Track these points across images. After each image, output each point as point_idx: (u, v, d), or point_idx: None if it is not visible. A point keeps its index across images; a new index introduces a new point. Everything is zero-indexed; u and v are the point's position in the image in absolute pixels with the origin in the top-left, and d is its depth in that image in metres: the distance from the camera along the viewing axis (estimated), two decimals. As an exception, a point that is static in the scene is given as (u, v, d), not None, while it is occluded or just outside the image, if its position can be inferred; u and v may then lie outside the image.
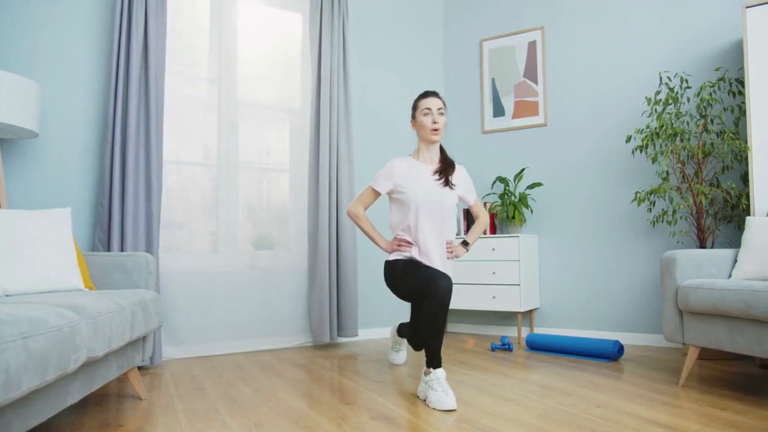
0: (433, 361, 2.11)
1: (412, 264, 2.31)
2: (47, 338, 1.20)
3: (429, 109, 2.34)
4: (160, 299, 2.21)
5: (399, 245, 2.35)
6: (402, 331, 2.68)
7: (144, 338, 2.21)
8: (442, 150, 2.45)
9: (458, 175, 2.44)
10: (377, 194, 2.42)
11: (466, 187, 2.48)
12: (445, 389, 2.03)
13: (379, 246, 2.43)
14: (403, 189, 2.32)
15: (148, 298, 2.07)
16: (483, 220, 2.55)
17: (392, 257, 2.38)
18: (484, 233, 3.74)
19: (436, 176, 2.36)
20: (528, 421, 1.84)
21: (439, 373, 2.08)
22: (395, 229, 2.40)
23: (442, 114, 2.35)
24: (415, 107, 2.41)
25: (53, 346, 1.22)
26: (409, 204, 2.30)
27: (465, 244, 2.51)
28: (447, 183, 2.35)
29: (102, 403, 2.12)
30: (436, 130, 2.33)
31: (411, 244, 2.34)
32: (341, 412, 1.97)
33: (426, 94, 2.39)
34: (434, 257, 2.32)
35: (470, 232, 2.56)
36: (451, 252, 2.40)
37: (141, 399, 2.18)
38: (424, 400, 2.09)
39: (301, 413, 1.96)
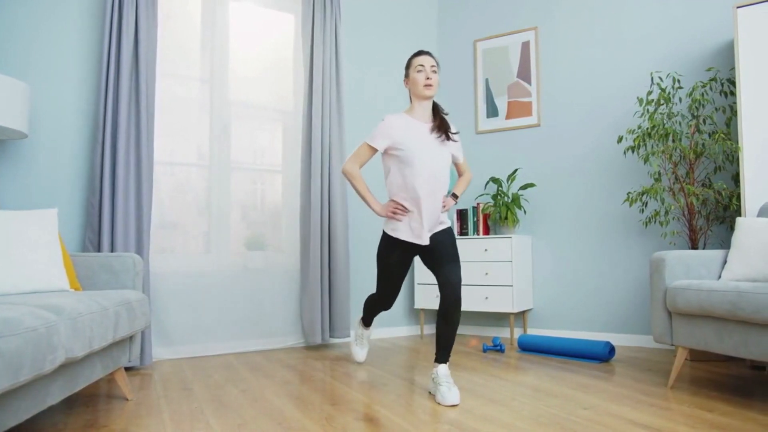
0: (441, 356, 2.22)
1: (397, 263, 2.40)
2: (21, 339, 1.20)
3: (422, 65, 2.34)
4: (147, 300, 2.21)
5: (394, 211, 2.33)
6: (365, 305, 2.76)
7: (131, 339, 2.21)
8: (435, 107, 2.44)
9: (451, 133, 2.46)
10: (374, 151, 2.39)
11: (457, 145, 2.48)
12: (448, 385, 2.10)
13: (372, 208, 2.39)
14: (402, 146, 2.30)
15: (134, 299, 2.07)
16: (468, 176, 2.61)
17: (389, 231, 2.39)
18: (477, 234, 3.74)
19: (435, 133, 2.35)
20: (513, 422, 1.83)
21: (441, 369, 2.18)
22: (393, 188, 2.37)
23: (435, 71, 2.35)
24: (408, 65, 2.42)
25: (27, 346, 1.22)
26: (410, 160, 2.28)
27: (454, 196, 2.53)
28: (447, 138, 2.36)
29: (88, 403, 2.12)
30: (429, 86, 2.33)
31: (406, 210, 2.33)
32: (327, 412, 1.97)
33: (419, 53, 2.39)
34: (432, 217, 2.33)
35: (457, 185, 2.59)
36: (444, 206, 2.40)
37: (127, 400, 2.17)
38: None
39: (286, 414, 1.95)
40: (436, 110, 2.43)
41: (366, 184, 2.44)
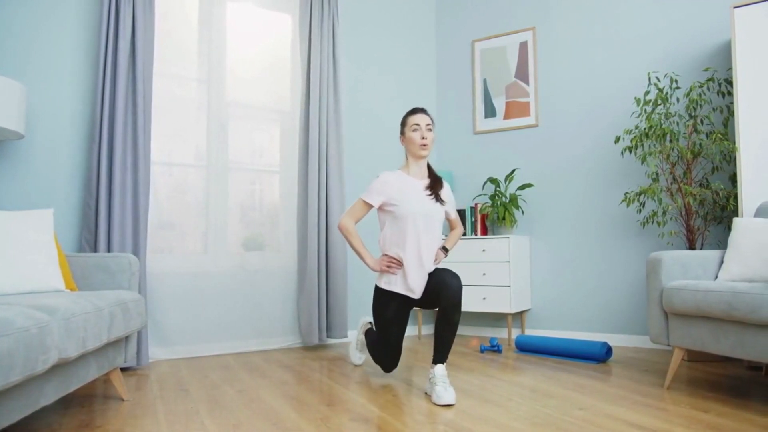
0: (439, 357, 2.23)
1: (394, 317, 2.41)
2: (12, 339, 1.20)
3: (418, 125, 2.40)
4: (143, 300, 2.21)
5: (388, 265, 2.38)
6: (368, 335, 2.69)
7: (126, 339, 2.21)
8: (429, 167, 2.52)
9: (445, 191, 2.51)
10: (369, 207, 2.44)
11: (450, 202, 2.57)
12: (444, 385, 2.11)
13: (366, 264, 2.43)
14: (397, 202, 2.37)
15: (129, 299, 2.07)
16: (459, 230, 2.69)
17: (383, 284, 2.43)
18: (475, 234, 3.74)
19: (428, 192, 2.43)
20: (507, 423, 1.83)
21: (438, 369, 2.18)
22: (386, 244, 2.43)
23: (430, 130, 2.42)
24: (403, 123, 2.47)
25: (19, 347, 1.22)
26: (405, 217, 2.35)
27: (445, 250, 2.58)
28: (438, 198, 2.43)
29: (84, 404, 2.12)
30: (424, 145, 2.40)
31: (400, 264, 2.37)
32: (322, 413, 1.97)
33: (414, 111, 2.45)
34: (424, 271, 2.37)
35: (449, 238, 2.67)
36: (435, 260, 2.46)
37: (123, 400, 2.17)
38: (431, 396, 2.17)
39: (281, 415, 1.95)
40: (431, 169, 2.52)
41: (361, 239, 2.48)
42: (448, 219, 2.62)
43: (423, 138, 2.39)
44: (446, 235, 2.90)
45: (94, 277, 2.27)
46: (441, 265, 2.38)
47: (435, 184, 2.46)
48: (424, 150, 2.41)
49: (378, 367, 2.79)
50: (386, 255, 2.41)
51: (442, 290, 2.20)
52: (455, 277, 2.22)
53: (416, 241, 2.35)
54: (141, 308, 2.18)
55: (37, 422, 1.88)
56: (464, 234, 3.78)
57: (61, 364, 1.56)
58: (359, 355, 2.87)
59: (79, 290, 2.24)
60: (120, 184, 2.81)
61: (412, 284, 2.36)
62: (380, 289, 2.44)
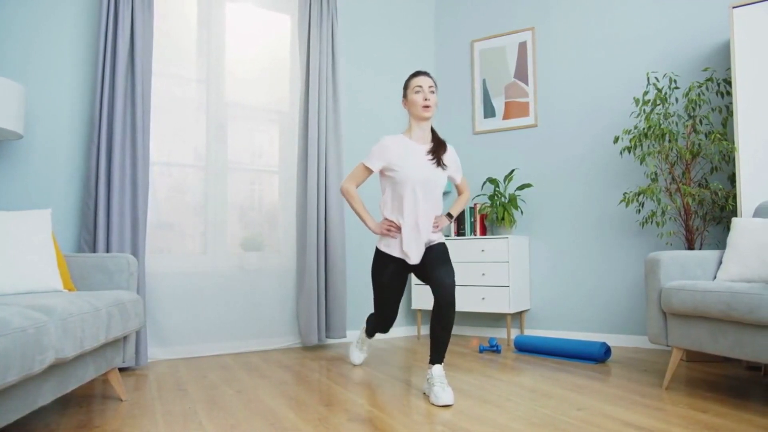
0: (436, 357, 2.23)
1: (390, 281, 2.44)
2: (9, 339, 1.20)
3: (420, 86, 2.38)
4: (141, 301, 2.21)
5: (388, 229, 2.40)
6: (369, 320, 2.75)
7: (125, 339, 2.21)
8: (433, 130, 2.49)
9: (449, 155, 2.48)
10: (369, 172, 2.45)
11: (455, 167, 2.53)
12: (442, 385, 2.11)
13: (367, 226, 2.45)
14: (397, 167, 2.36)
15: (127, 299, 2.07)
16: (467, 195, 2.64)
17: (383, 247, 2.45)
18: (474, 234, 3.74)
19: (429, 156, 2.40)
20: (505, 423, 1.83)
21: (436, 369, 2.19)
22: (386, 209, 2.44)
23: (433, 92, 2.39)
24: (406, 86, 2.45)
25: (15, 347, 1.22)
26: (404, 183, 2.35)
27: (449, 216, 2.55)
28: (439, 163, 2.40)
29: (82, 404, 2.12)
30: (427, 107, 2.37)
31: (399, 229, 2.39)
32: (320, 413, 1.97)
33: (417, 74, 2.43)
34: (422, 237, 2.37)
35: (455, 204, 2.61)
36: (437, 225, 2.44)
37: (122, 400, 2.17)
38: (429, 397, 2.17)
39: (279, 415, 1.95)
40: (434, 133, 2.48)
41: (362, 202, 2.50)
42: (454, 184, 2.60)
43: (426, 99, 2.36)
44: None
45: (93, 277, 2.27)
46: (442, 256, 2.35)
47: (438, 148, 2.42)
48: (426, 111, 2.37)
49: (377, 368, 2.78)
50: (387, 219, 2.43)
51: (438, 289, 2.19)
52: (450, 275, 2.22)
53: (414, 208, 2.35)
54: (139, 308, 2.18)
55: (35, 422, 1.88)
56: (463, 233, 3.78)
57: (59, 364, 1.56)
58: (359, 354, 2.87)
59: (77, 290, 2.24)
60: (119, 184, 2.81)
61: (408, 250, 2.36)
62: (379, 251, 2.47)
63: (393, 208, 2.41)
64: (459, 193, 2.65)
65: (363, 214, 2.46)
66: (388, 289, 2.47)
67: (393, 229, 2.39)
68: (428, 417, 1.91)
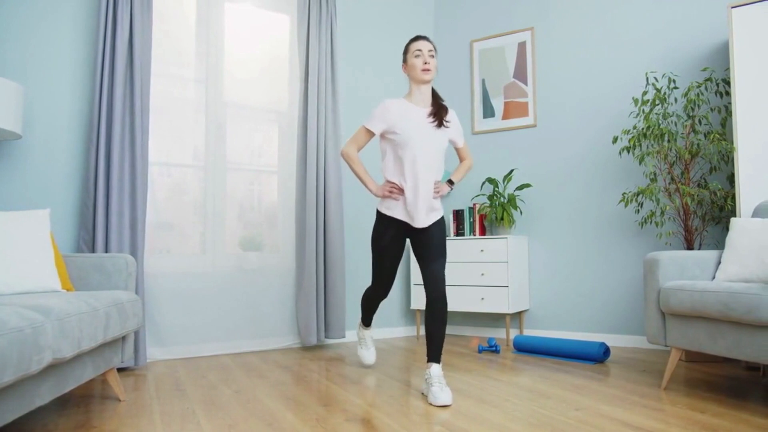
0: (433, 355, 2.24)
1: (390, 244, 2.43)
2: (5, 339, 1.20)
3: (420, 50, 2.37)
4: (139, 301, 2.21)
5: (390, 191, 2.39)
6: (362, 302, 2.76)
7: (123, 339, 2.21)
8: (434, 93, 2.48)
9: (450, 118, 2.47)
10: (371, 134, 2.43)
11: (456, 130, 2.52)
12: (440, 385, 2.12)
13: (369, 189, 2.45)
14: (398, 130, 2.35)
15: (126, 300, 2.07)
16: (469, 162, 2.61)
17: (384, 209, 2.44)
18: (473, 234, 3.74)
19: (430, 118, 2.39)
20: (503, 423, 1.83)
21: (434, 369, 2.20)
22: (387, 171, 2.43)
23: (432, 56, 2.38)
24: (406, 51, 2.44)
25: (12, 347, 1.22)
26: (404, 145, 2.34)
27: (450, 183, 2.53)
28: (441, 124, 2.39)
29: (81, 404, 2.12)
30: (426, 70, 2.36)
31: (402, 191, 2.37)
32: (317, 413, 1.97)
33: (417, 38, 2.42)
34: (423, 200, 2.36)
35: (456, 171, 2.60)
36: (437, 192, 2.42)
37: (120, 400, 2.17)
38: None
39: (277, 415, 1.95)
40: (435, 96, 2.47)
41: (363, 165, 2.49)
42: (456, 148, 2.59)
43: (425, 63, 2.35)
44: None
45: (91, 277, 2.27)
46: (440, 246, 2.38)
47: (439, 111, 2.41)
48: (426, 74, 2.36)
49: (376, 368, 2.78)
50: (388, 181, 2.41)
51: (430, 283, 2.24)
52: (443, 268, 2.29)
53: (414, 170, 2.33)
54: (137, 308, 2.18)
55: (33, 422, 1.88)
56: (462, 233, 3.78)
57: (56, 364, 1.56)
58: (366, 353, 2.80)
59: (75, 291, 2.24)
60: (118, 184, 2.81)
61: (413, 211, 2.35)
62: (380, 214, 2.46)
63: (395, 171, 2.39)
64: (461, 160, 2.63)
65: (364, 176, 2.45)
66: (387, 253, 2.46)
67: (395, 190, 2.38)
68: (426, 417, 1.91)
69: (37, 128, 2.79)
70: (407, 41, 2.49)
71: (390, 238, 2.43)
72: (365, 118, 2.51)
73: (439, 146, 2.39)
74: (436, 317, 2.23)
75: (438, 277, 2.24)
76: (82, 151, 2.89)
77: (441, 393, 2.07)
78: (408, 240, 2.49)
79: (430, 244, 2.35)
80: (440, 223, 2.42)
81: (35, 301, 1.53)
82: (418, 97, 2.42)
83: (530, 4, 3.84)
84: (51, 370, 1.57)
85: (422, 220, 2.36)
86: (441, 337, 2.25)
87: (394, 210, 2.41)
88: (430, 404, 2.08)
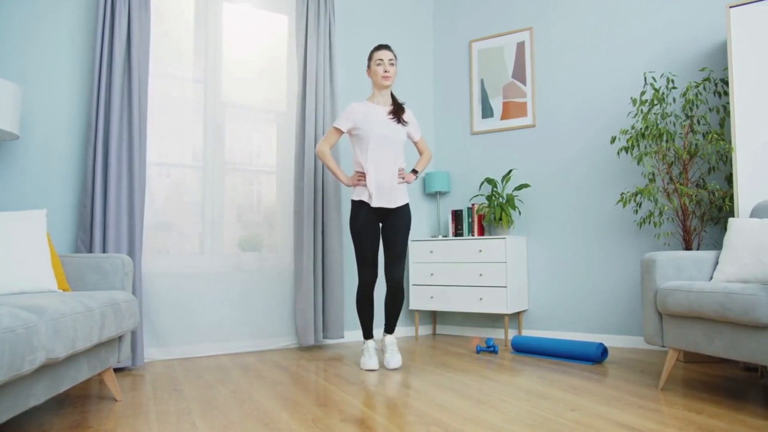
0: (388, 328, 2.86)
1: (364, 227, 2.76)
2: (-2, 339, 1.20)
3: (381, 60, 2.78)
4: (135, 301, 2.20)
5: (359, 179, 2.77)
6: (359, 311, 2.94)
7: (120, 339, 2.21)
8: (393, 96, 2.90)
9: (407, 116, 2.89)
10: (340, 132, 2.84)
11: (413, 125, 2.93)
12: (392, 352, 2.75)
13: (340, 180, 2.85)
14: (361, 126, 2.75)
15: (122, 300, 2.07)
16: (428, 154, 3.04)
17: (354, 196, 2.81)
18: (471, 234, 3.73)
19: (390, 116, 2.81)
20: (498, 424, 1.82)
21: (388, 338, 2.83)
22: (356, 164, 2.81)
23: (392, 64, 2.80)
24: (370, 58, 2.84)
25: (4, 347, 1.22)
26: (367, 138, 2.73)
27: (415, 172, 2.94)
28: (399, 121, 2.82)
29: (77, 404, 2.12)
30: (386, 77, 2.79)
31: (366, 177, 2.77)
32: (313, 414, 1.96)
33: (379, 47, 2.81)
34: (385, 184, 2.75)
35: (418, 162, 3.02)
36: (403, 178, 2.84)
37: (117, 400, 2.17)
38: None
39: (273, 415, 1.95)
40: (394, 97, 2.89)
41: (335, 161, 2.92)
42: (414, 141, 2.98)
43: (385, 71, 2.77)
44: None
45: (88, 277, 2.28)
46: (402, 242, 2.80)
47: (397, 110, 2.83)
48: (386, 81, 2.79)
49: (375, 368, 2.78)
50: (357, 171, 2.80)
51: (390, 282, 2.77)
52: (402, 269, 2.77)
53: (376, 158, 2.73)
54: (134, 309, 2.18)
55: (28, 422, 1.88)
56: (461, 233, 3.77)
57: (50, 364, 1.56)
58: (367, 361, 2.75)
59: (72, 291, 2.24)
60: (115, 184, 2.81)
61: (375, 193, 2.72)
62: (353, 201, 2.81)
63: (359, 162, 2.78)
64: (420, 153, 3.04)
65: (336, 170, 2.84)
66: (364, 236, 2.75)
67: (362, 178, 2.75)
68: (422, 417, 1.91)
69: (35, 128, 2.80)
70: (371, 49, 2.89)
71: (363, 219, 2.75)
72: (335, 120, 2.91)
73: (397, 139, 2.78)
74: (394, 301, 2.78)
75: (395, 278, 2.76)
76: (80, 151, 2.90)
77: (392, 358, 2.70)
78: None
79: (393, 239, 2.78)
80: (405, 210, 2.82)
81: (29, 301, 1.53)
82: (379, 99, 2.86)
83: (529, 5, 3.84)
84: (45, 370, 1.57)
85: (385, 200, 2.74)
86: (397, 314, 2.80)
87: (362, 195, 2.77)
88: (383, 367, 2.73)
